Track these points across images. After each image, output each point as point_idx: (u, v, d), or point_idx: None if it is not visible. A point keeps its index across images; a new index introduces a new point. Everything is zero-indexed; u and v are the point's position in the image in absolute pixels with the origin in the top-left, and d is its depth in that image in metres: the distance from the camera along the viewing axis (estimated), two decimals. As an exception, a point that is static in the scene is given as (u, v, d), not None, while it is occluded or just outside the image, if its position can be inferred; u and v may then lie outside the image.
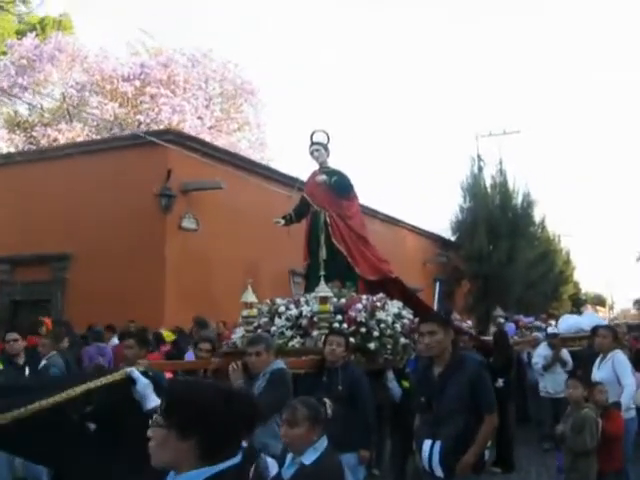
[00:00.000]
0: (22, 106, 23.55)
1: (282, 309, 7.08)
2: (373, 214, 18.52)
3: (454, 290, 22.85)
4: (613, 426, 5.69)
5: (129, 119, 22.57)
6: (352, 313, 6.82)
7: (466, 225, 23.73)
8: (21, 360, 6.99)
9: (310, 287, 7.65)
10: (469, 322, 14.71)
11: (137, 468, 2.54)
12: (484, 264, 22.28)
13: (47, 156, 14.55)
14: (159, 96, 22.61)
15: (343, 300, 7.09)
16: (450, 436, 4.27)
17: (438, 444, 4.29)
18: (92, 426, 4.46)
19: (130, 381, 4.01)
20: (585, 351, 8.41)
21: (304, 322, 6.82)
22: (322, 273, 6.95)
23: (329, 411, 3.76)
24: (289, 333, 6.79)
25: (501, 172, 24.55)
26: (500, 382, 7.98)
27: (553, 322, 11.74)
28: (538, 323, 11.87)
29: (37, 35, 23.98)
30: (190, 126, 21.80)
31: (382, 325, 6.87)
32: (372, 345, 6.63)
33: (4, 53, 23.94)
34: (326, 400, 3.85)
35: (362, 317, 6.80)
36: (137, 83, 22.64)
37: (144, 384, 3.82)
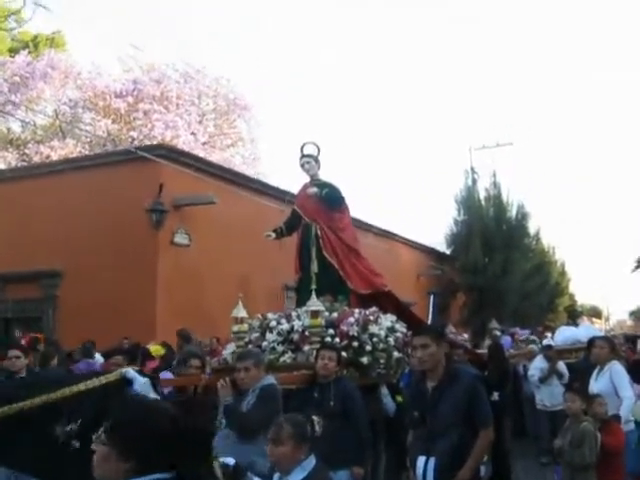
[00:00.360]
0: (15, 123, 23.53)
1: (273, 324, 6.97)
2: (367, 227, 18.46)
3: (449, 303, 22.80)
4: (613, 439, 5.58)
5: (122, 135, 22.54)
6: (344, 327, 6.71)
7: (461, 238, 23.72)
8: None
9: (301, 301, 7.53)
10: (465, 335, 14.62)
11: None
12: (479, 276, 22.24)
13: (38, 172, 14.45)
14: (152, 112, 22.59)
15: (335, 314, 6.98)
16: (444, 451, 4.18)
17: (432, 460, 4.20)
18: (77, 444, 4.36)
19: (125, 383, 3.88)
20: (581, 363, 8.32)
21: (295, 337, 6.71)
22: (313, 287, 6.86)
23: (317, 428, 3.65)
24: (280, 348, 6.67)
25: (495, 184, 24.63)
26: (496, 396, 7.85)
27: (549, 334, 11.66)
28: (533, 337, 11.78)
29: (30, 52, 23.98)
30: (184, 142, 21.77)
31: (375, 339, 6.75)
32: (365, 359, 6.52)
33: (-3, 71, 23.94)
34: (314, 417, 3.75)
35: (354, 331, 6.69)
36: (130, 99, 22.64)
37: (142, 382, 3.67)
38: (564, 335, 10.09)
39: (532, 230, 25.37)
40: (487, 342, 11.21)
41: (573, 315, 17.20)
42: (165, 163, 12.33)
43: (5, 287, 13.78)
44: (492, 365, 8.45)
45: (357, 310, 7.18)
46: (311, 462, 3.42)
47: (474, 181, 25.00)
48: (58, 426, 4.08)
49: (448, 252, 24.61)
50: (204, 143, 24.13)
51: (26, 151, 22.71)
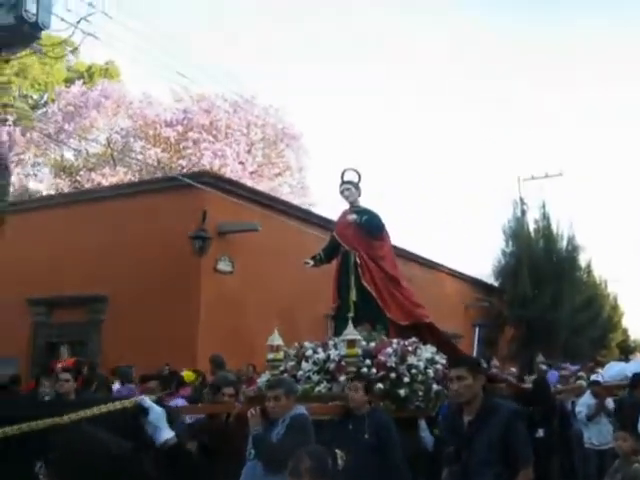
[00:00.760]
0: (68, 151, 24.10)
1: (309, 352, 6.85)
2: (413, 258, 18.26)
3: (497, 336, 22.32)
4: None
5: (172, 164, 22.87)
6: (382, 357, 6.56)
7: (509, 269, 23.29)
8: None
9: (339, 330, 7.38)
10: (513, 369, 14.24)
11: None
12: (528, 309, 21.76)
13: (85, 198, 14.72)
14: (201, 141, 22.90)
15: (373, 344, 6.84)
16: (480, 491, 3.98)
17: (467, 500, 4.01)
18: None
19: (141, 411, 3.75)
20: (626, 399, 7.93)
21: (332, 366, 6.58)
22: (350, 315, 6.74)
23: (340, 462, 3.50)
24: (316, 378, 6.56)
25: (544, 215, 24.16)
26: (540, 432, 7.57)
27: (600, 370, 11.24)
28: (581, 373, 11.36)
29: (84, 83, 24.64)
30: (231, 170, 21.97)
31: (413, 371, 6.59)
32: (402, 391, 6.35)
33: (53, 100, 24.64)
34: (338, 451, 3.59)
35: (392, 362, 6.54)
36: (180, 128, 23.00)
37: (158, 413, 3.55)
38: (613, 370, 9.68)
39: (583, 263, 24.82)
40: (533, 377, 10.86)
41: (626, 351, 16.56)
42: (209, 190, 12.41)
43: (52, 311, 13.98)
44: (537, 400, 8.15)
45: (395, 340, 7.03)
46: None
47: (523, 212, 24.60)
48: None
49: (496, 284, 24.17)
50: (252, 172, 24.30)
51: (78, 178, 23.22)
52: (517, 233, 23.87)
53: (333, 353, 6.70)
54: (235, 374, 9.68)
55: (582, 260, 24.73)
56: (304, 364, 6.76)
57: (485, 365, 12.06)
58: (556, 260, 23.17)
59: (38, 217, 14.38)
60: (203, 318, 12.27)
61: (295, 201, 21.30)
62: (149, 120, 23.15)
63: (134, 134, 23.62)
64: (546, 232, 23.90)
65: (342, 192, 8.35)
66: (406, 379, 6.47)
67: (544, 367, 12.69)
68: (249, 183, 19.48)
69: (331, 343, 7.01)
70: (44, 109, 25.35)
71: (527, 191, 25.52)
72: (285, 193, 24.33)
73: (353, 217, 8.09)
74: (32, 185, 24.06)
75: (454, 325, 16.88)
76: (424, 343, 7.38)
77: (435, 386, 6.70)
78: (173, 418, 3.67)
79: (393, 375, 6.47)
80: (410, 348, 6.89)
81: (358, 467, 5.02)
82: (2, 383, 8.92)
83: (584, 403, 9.01)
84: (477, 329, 12.90)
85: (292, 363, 6.86)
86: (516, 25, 56.84)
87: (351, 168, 8.43)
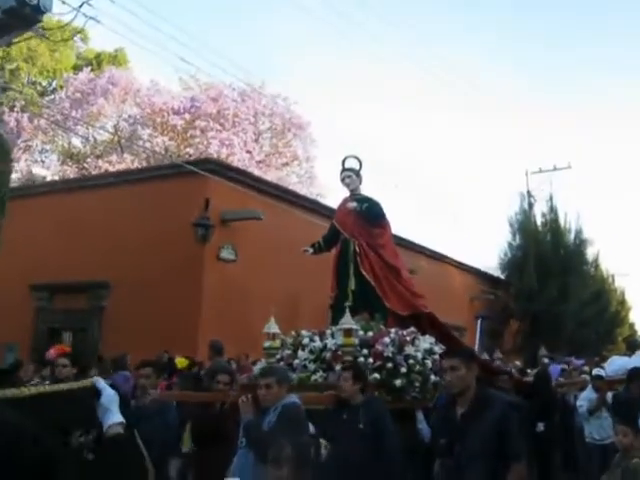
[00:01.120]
0: (76, 138, 24.09)
1: (306, 341, 6.78)
2: (419, 250, 18.14)
3: (503, 329, 22.18)
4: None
5: (179, 152, 22.82)
6: (379, 347, 6.46)
7: (515, 262, 23.11)
8: None
9: (337, 319, 7.31)
10: (517, 362, 14.14)
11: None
12: (534, 302, 21.60)
13: (88, 184, 14.68)
14: (208, 130, 22.83)
15: (370, 333, 6.74)
16: (472, 485, 3.89)
17: (458, 494, 3.92)
18: (90, 456, 4.25)
19: (95, 392, 3.64)
20: (622, 394, 7.80)
21: (328, 355, 6.50)
22: (347, 304, 6.65)
23: (323, 451, 3.43)
24: (312, 366, 6.48)
25: (552, 208, 23.96)
26: (541, 426, 7.50)
27: (605, 364, 11.11)
28: (586, 368, 11.23)
29: (92, 70, 24.59)
30: (239, 159, 21.92)
31: (411, 361, 6.49)
32: (398, 382, 6.25)
33: (61, 87, 24.61)
34: (322, 440, 3.53)
35: (389, 352, 6.44)
36: (187, 117, 22.94)
37: (110, 396, 3.46)
38: (615, 365, 9.56)
39: (590, 256, 24.60)
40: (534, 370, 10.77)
41: (632, 346, 16.42)
42: (212, 178, 12.32)
43: (54, 297, 13.97)
44: (537, 393, 8.07)
45: (393, 330, 6.92)
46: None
47: (530, 205, 24.41)
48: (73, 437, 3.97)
49: (502, 277, 24.02)
50: (259, 162, 24.23)
51: (85, 165, 23.20)
52: (524, 226, 23.68)
53: (330, 342, 6.62)
54: (234, 362, 9.64)
55: (589, 254, 24.50)
56: (300, 352, 6.69)
57: (487, 357, 12.00)
58: (563, 253, 22.97)
59: (41, 203, 14.36)
60: (205, 306, 12.22)
61: (303, 191, 21.21)
62: (157, 108, 23.10)
63: (141, 122, 23.58)
64: (553, 225, 23.71)
65: (343, 179, 8.25)
66: (403, 369, 6.38)
67: (546, 360, 12.56)
68: (256, 172, 19.40)
69: (328, 332, 6.93)
70: (52, 96, 25.35)
71: (535, 184, 25.36)
72: (293, 183, 24.26)
73: (353, 205, 7.98)
74: (38, 171, 24.05)
75: (459, 317, 16.79)
76: (423, 334, 7.28)
77: (433, 377, 6.61)
78: (126, 403, 3.59)
79: (390, 365, 6.37)
80: (408, 338, 6.80)
81: (353, 456, 4.96)
82: (5, 368, 8.92)
83: (585, 397, 8.90)
84: (479, 321, 12.77)
85: (289, 351, 6.79)
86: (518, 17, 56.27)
87: (352, 155, 8.31)
